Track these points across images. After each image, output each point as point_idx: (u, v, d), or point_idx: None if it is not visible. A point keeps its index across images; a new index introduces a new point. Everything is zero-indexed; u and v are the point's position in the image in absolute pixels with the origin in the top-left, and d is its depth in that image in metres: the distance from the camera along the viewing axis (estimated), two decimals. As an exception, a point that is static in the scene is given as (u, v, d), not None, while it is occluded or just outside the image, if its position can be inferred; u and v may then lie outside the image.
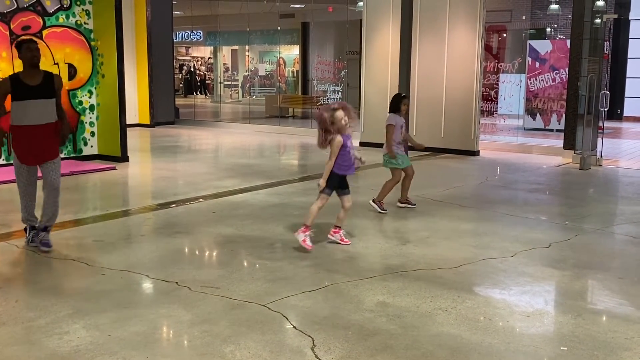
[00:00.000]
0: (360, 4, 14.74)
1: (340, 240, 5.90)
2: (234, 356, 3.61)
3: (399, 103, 7.35)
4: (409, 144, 8.09)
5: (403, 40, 11.68)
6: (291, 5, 21.51)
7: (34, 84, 5.51)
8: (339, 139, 5.56)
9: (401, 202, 7.57)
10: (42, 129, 5.56)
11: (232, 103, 26.63)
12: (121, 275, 5.00)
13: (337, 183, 5.77)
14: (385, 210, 7.28)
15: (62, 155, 10.47)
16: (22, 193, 5.73)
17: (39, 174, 5.69)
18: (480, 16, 12.13)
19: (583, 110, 11.60)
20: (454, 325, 4.07)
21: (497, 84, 14.39)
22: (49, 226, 5.71)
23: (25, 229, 5.88)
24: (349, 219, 6.78)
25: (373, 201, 7.38)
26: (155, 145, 13.91)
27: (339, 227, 5.95)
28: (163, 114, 17.72)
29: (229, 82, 29.94)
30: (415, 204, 7.55)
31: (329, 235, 5.95)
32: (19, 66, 5.81)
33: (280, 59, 23.50)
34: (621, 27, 21.15)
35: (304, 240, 5.64)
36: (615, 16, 12.21)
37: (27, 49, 5.54)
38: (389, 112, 7.42)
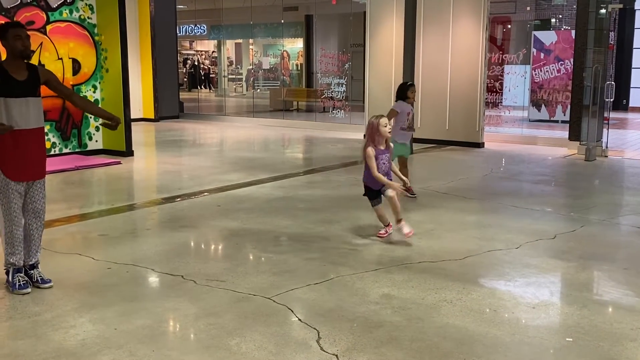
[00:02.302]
0: (364, -4, 14.68)
1: (383, 233, 5.90)
2: (239, 349, 3.63)
3: (405, 91, 7.34)
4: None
5: (407, 32, 11.66)
6: (294, -2, 21.46)
7: (21, 78, 4.44)
8: (370, 150, 5.71)
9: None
10: (37, 135, 4.55)
11: (236, 97, 26.62)
12: (127, 269, 5.01)
13: (377, 193, 5.84)
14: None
15: (67, 150, 10.63)
16: (12, 225, 4.51)
17: None
18: (485, 7, 12.08)
19: (588, 101, 11.54)
20: (459, 317, 4.08)
21: (502, 76, 14.33)
22: (37, 262, 4.70)
23: (7, 272, 4.60)
24: (355, 212, 6.79)
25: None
26: (160, 140, 13.91)
27: (390, 225, 5.92)
28: (167, 108, 17.74)
29: (233, 76, 29.93)
30: (416, 195, 7.56)
31: (383, 236, 5.88)
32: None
33: (284, 52, 23.46)
34: (627, 17, 21.02)
35: (385, 231, 5.87)
36: (621, 6, 12.10)
37: (15, 37, 4.39)
38: (396, 100, 7.41)
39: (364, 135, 5.88)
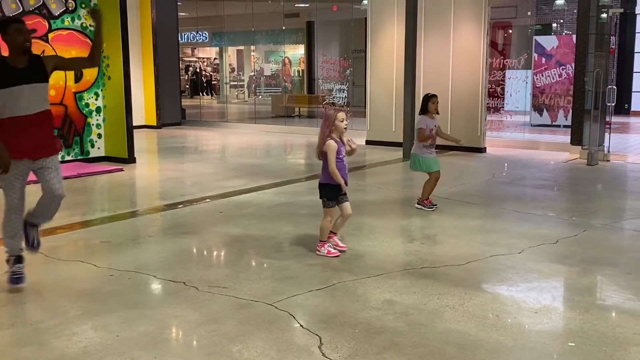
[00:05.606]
0: (365, 2, 14.73)
1: (327, 253, 5.47)
2: (241, 355, 3.62)
3: (427, 103, 7.27)
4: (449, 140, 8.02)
5: (408, 37, 11.68)
6: (296, 5, 21.54)
7: (20, 66, 4.53)
8: (332, 143, 5.36)
9: (419, 203, 7.39)
10: (35, 119, 4.59)
11: (238, 103, 26.69)
12: (129, 276, 5.02)
13: (337, 192, 5.48)
14: (435, 205, 7.29)
15: (69, 158, 10.64)
16: (11, 210, 4.65)
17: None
18: (486, 12, 12.10)
19: (590, 105, 11.54)
20: (462, 323, 4.07)
21: (503, 81, 14.35)
22: (38, 224, 4.86)
23: (7, 260, 4.78)
24: (357, 217, 6.77)
25: (418, 203, 7.35)
26: (162, 146, 13.94)
27: (334, 233, 5.64)
28: (169, 115, 17.78)
29: (235, 83, 30.02)
30: (436, 205, 7.34)
31: (317, 251, 5.54)
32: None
33: (286, 59, 23.54)
34: (628, 22, 21.04)
35: (328, 252, 5.47)
36: (622, 10, 12.15)
37: (17, 31, 4.47)
38: (419, 114, 7.37)
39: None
